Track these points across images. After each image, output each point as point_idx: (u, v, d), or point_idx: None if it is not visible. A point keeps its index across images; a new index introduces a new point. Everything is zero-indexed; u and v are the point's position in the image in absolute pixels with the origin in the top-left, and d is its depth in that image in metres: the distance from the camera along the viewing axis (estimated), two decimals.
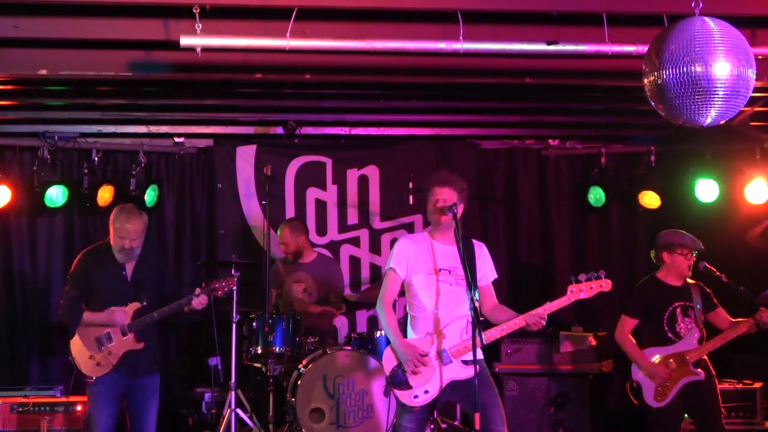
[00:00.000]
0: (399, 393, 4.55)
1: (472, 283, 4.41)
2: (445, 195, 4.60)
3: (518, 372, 7.07)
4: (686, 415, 5.85)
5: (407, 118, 7.37)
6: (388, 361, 4.60)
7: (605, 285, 4.65)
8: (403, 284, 4.73)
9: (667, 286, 5.73)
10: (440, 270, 4.62)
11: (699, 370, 5.58)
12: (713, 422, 5.63)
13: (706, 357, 5.65)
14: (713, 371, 5.68)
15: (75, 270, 5.30)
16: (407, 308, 4.79)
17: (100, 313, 5.19)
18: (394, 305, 4.77)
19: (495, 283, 4.84)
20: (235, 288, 5.62)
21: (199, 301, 5.29)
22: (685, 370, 5.58)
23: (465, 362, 4.52)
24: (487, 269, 4.77)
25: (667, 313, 5.66)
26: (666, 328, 5.65)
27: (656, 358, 5.63)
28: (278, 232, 7.00)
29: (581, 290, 4.61)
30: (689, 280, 5.77)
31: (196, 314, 5.47)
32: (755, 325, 5.63)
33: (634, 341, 5.73)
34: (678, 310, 5.67)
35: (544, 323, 4.55)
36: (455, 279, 4.61)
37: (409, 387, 4.51)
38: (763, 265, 6.75)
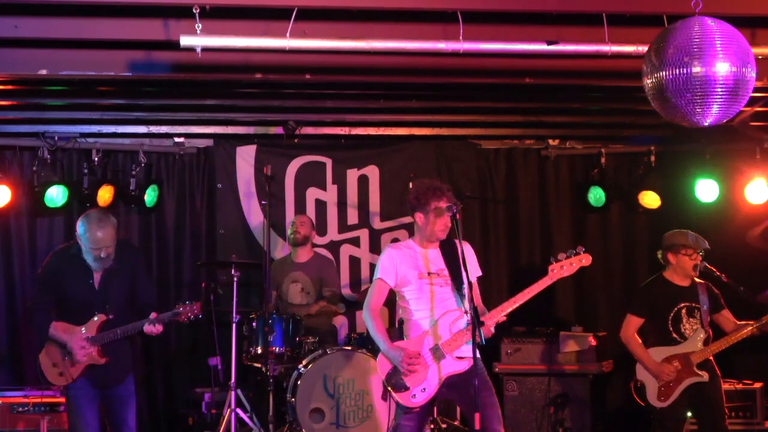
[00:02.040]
0: (397, 396, 4.55)
1: (468, 282, 4.40)
2: (446, 222, 4.62)
3: (518, 372, 7.07)
4: (689, 415, 5.84)
5: (407, 118, 7.37)
6: (383, 367, 4.61)
7: (585, 260, 4.67)
8: (393, 292, 4.74)
9: (674, 285, 5.72)
10: (429, 274, 4.65)
11: (703, 372, 5.56)
12: (716, 423, 5.61)
13: (711, 358, 5.63)
14: (719, 372, 5.66)
15: (44, 272, 5.13)
16: (400, 313, 4.80)
17: (64, 332, 5.00)
18: (381, 312, 4.79)
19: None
20: (200, 315, 5.20)
21: (151, 329, 4.97)
22: (689, 372, 5.57)
23: (459, 357, 4.54)
24: (471, 267, 4.75)
25: (671, 314, 5.64)
26: (670, 329, 5.63)
27: (660, 359, 5.61)
28: (295, 217, 7.16)
29: (562, 268, 4.62)
30: (697, 280, 5.74)
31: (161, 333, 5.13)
32: (759, 329, 5.60)
33: (640, 341, 5.72)
34: (683, 310, 5.65)
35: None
36: (443, 280, 4.65)
37: (407, 388, 4.51)
38: (763, 265, 6.75)
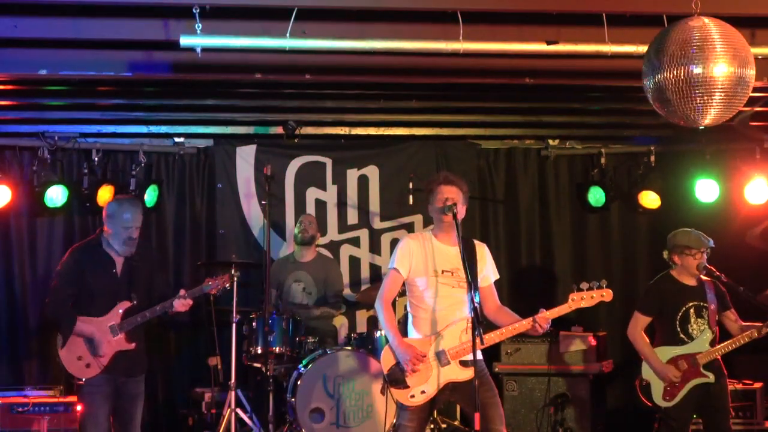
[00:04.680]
0: (396, 392, 4.54)
1: (472, 284, 4.40)
2: (451, 193, 4.61)
3: (518, 372, 7.08)
4: (694, 415, 5.82)
5: (407, 118, 7.37)
6: (387, 360, 4.58)
7: (606, 295, 4.69)
8: (404, 283, 4.73)
9: (682, 284, 5.68)
10: (443, 272, 4.60)
11: (709, 373, 5.55)
12: (720, 423, 5.60)
13: (719, 357, 5.62)
14: (725, 371, 5.64)
15: (65, 267, 5.18)
16: (408, 307, 4.78)
17: (89, 324, 5.08)
18: (393, 304, 4.77)
19: (495, 283, 4.83)
20: (228, 286, 5.51)
21: (181, 303, 5.15)
22: (696, 372, 5.54)
23: (463, 363, 4.51)
24: (488, 270, 4.76)
25: (680, 314, 5.60)
26: (678, 329, 5.60)
27: (667, 359, 5.60)
28: (302, 216, 7.19)
29: (582, 299, 4.65)
30: (704, 278, 5.73)
31: (185, 315, 5.39)
32: (763, 331, 5.59)
33: (647, 339, 5.70)
34: (692, 310, 5.62)
35: (547, 327, 4.58)
36: (457, 281, 4.59)
37: (407, 386, 4.50)
38: (763, 265, 6.75)
